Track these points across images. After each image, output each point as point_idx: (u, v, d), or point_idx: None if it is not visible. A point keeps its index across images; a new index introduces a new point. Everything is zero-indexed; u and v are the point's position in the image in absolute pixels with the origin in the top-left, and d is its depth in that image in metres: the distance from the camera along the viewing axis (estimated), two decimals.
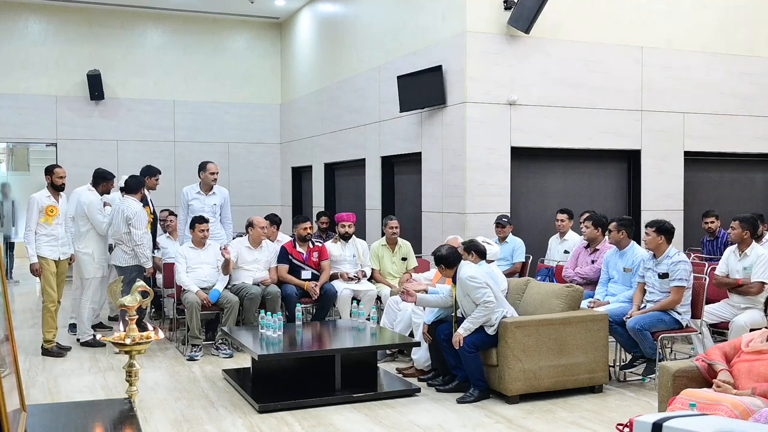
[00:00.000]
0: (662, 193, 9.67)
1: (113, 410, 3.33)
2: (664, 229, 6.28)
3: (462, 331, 5.77)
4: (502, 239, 8.11)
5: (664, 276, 6.19)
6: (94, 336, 7.81)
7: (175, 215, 9.26)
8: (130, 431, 2.92)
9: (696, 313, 6.26)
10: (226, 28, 14.81)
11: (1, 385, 2.22)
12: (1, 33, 13.39)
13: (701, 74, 9.80)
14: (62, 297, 7.69)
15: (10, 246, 13.64)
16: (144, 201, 8.30)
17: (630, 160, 9.73)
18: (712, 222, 8.74)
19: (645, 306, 6.28)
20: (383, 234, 8.52)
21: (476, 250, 6.25)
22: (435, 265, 6.12)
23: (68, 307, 8.89)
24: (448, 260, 5.95)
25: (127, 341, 3.75)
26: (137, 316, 4.01)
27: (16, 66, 13.45)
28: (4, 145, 18.25)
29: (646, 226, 6.42)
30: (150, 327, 4.02)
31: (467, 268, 5.90)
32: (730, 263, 6.62)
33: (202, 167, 8.54)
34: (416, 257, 8.86)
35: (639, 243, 7.51)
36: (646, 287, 6.37)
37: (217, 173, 8.53)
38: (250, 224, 8.09)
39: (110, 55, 13.92)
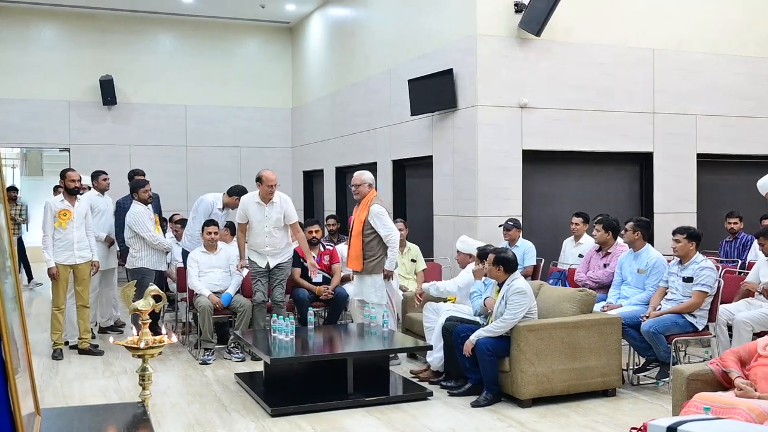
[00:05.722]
0: (675, 196, 9.62)
1: (127, 414, 3.34)
2: (695, 236, 6.26)
3: (474, 338, 5.77)
4: (511, 242, 8.07)
5: (688, 280, 6.15)
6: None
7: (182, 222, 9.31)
8: None
9: (711, 317, 6.22)
10: (238, 32, 14.86)
11: (15, 388, 2.23)
12: (15, 39, 13.49)
13: (713, 76, 9.75)
14: (88, 301, 7.70)
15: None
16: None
17: (642, 163, 9.69)
18: (735, 223, 8.67)
19: (661, 308, 6.25)
20: None
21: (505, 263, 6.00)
22: (493, 264, 5.90)
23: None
24: (510, 264, 5.91)
25: (141, 345, 3.76)
26: (150, 320, 4.02)
27: (30, 72, 13.54)
28: (18, 150, 18.38)
29: (675, 233, 6.32)
30: (164, 330, 4.03)
31: (522, 281, 5.88)
32: (762, 273, 6.58)
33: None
34: (428, 261, 8.87)
35: (653, 245, 7.46)
36: (668, 291, 6.33)
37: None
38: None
39: (122, 60, 14.00)
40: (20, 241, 12.81)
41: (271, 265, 7.37)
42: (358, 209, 7.13)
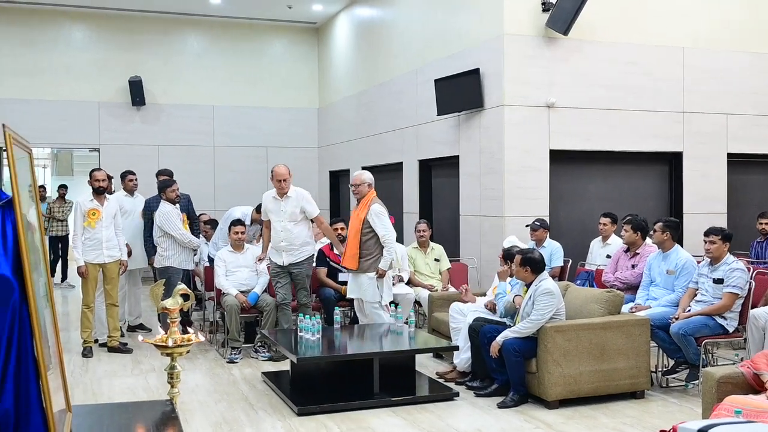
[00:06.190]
0: (705, 196, 9.50)
1: (155, 411, 3.37)
2: (729, 237, 6.19)
3: (500, 339, 5.75)
4: (538, 243, 8.02)
5: (719, 281, 6.08)
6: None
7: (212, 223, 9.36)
8: None
9: (741, 319, 6.14)
10: (265, 33, 14.94)
11: (47, 385, 2.27)
12: (46, 41, 13.68)
13: (744, 75, 9.61)
14: (117, 300, 7.78)
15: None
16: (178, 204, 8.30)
17: (671, 163, 9.59)
18: (767, 224, 8.55)
19: (691, 309, 6.18)
20: None
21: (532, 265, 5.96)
22: (520, 265, 5.88)
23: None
24: (537, 265, 5.88)
25: (169, 343, 3.79)
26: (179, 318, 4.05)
27: (60, 73, 13.73)
28: (49, 150, 18.64)
29: (708, 233, 6.21)
30: (191, 329, 4.06)
31: (550, 282, 5.84)
32: None
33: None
34: (454, 261, 8.86)
35: (682, 246, 7.38)
36: (697, 292, 6.26)
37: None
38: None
39: (151, 61, 14.14)
40: (67, 240, 12.96)
41: (286, 263, 7.34)
42: (357, 209, 7.16)
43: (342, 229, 8.20)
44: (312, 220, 7.51)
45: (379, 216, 6.96)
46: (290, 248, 7.32)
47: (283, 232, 7.31)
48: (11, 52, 13.48)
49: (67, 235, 12.98)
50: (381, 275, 6.99)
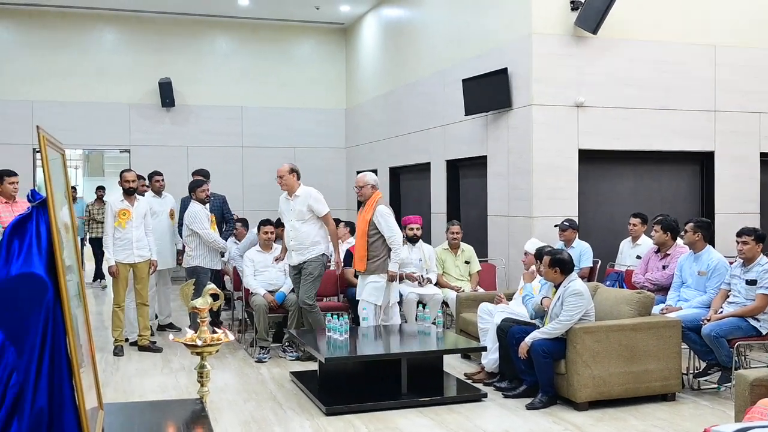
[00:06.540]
0: (737, 197, 9.36)
1: (186, 410, 3.41)
2: (763, 237, 6.11)
3: (529, 340, 5.72)
4: (567, 243, 7.96)
5: (752, 282, 5.99)
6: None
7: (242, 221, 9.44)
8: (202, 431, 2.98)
9: None
10: (293, 34, 15.00)
11: (80, 382, 2.30)
12: (77, 44, 13.87)
13: None
14: (147, 299, 7.86)
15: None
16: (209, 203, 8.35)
17: (703, 163, 9.46)
18: None
19: (723, 311, 6.10)
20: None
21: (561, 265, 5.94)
22: (549, 265, 5.85)
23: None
24: (566, 266, 5.85)
25: (199, 342, 3.82)
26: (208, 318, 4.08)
27: (92, 75, 13.91)
28: (80, 151, 18.89)
29: (741, 234, 6.13)
30: (219, 329, 4.09)
31: (579, 283, 5.81)
32: None
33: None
34: (482, 261, 8.82)
35: (714, 246, 7.28)
36: (730, 294, 6.18)
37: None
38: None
39: (180, 63, 14.27)
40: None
41: (295, 262, 7.34)
42: (362, 210, 7.17)
43: None
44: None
45: (384, 217, 6.97)
46: (299, 247, 7.33)
47: (292, 231, 7.34)
48: (44, 54, 13.68)
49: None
50: (391, 278, 6.98)
